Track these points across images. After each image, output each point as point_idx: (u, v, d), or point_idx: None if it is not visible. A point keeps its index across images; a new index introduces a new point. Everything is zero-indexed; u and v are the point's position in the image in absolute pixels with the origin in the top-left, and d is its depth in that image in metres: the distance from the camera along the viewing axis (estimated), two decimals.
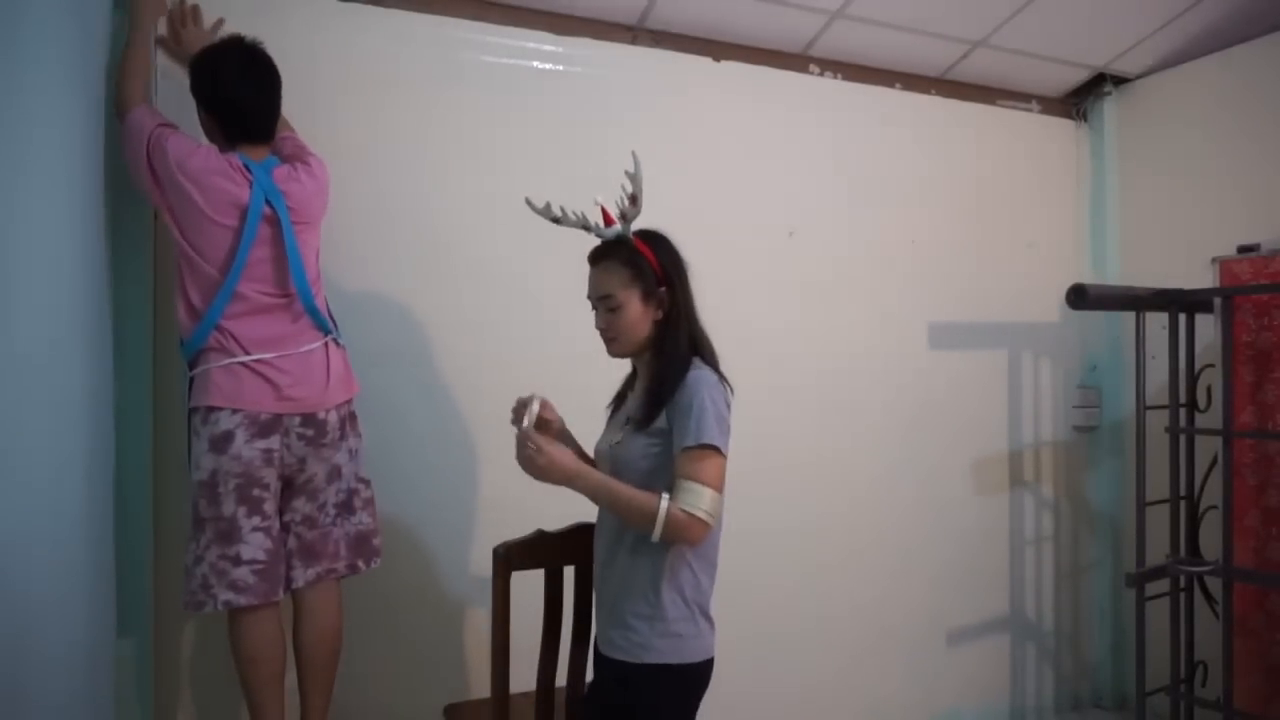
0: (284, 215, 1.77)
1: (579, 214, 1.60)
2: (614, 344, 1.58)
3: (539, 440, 1.47)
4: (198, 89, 1.82)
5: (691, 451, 1.43)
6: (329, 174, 1.94)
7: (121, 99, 1.79)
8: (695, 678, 1.51)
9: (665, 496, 1.42)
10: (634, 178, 1.55)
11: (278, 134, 1.94)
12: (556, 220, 1.61)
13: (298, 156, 1.90)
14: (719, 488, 1.44)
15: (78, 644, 1.55)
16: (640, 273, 1.53)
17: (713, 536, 1.53)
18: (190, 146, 1.74)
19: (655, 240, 1.57)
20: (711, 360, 1.56)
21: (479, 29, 2.30)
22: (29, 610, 1.38)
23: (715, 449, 1.44)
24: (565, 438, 1.67)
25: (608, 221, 1.57)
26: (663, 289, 1.54)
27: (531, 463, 1.47)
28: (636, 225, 1.59)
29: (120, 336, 1.86)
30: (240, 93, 1.80)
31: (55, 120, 1.50)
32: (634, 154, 1.56)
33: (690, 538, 1.44)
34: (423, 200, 2.22)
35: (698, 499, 1.41)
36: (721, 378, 1.54)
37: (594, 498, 1.49)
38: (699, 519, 1.41)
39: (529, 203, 1.62)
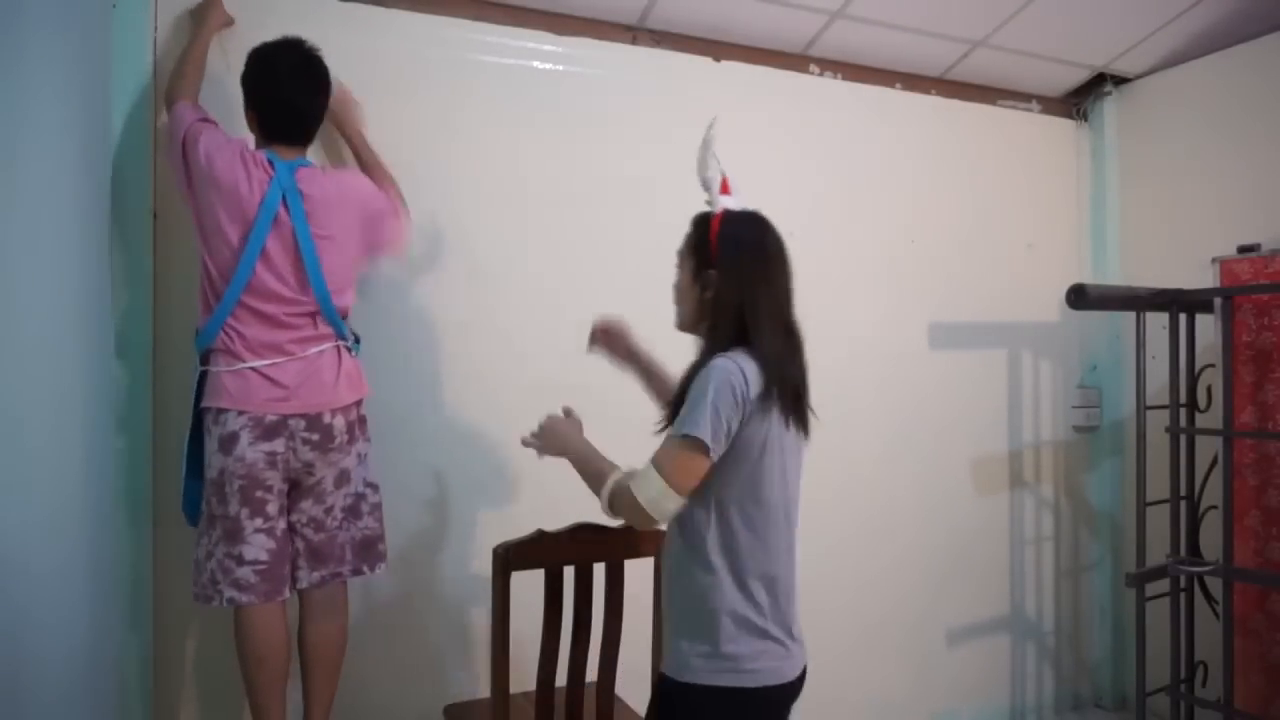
0: (299, 215, 1.76)
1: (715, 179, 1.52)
2: (677, 311, 1.52)
3: (555, 416, 1.57)
4: (246, 82, 1.84)
5: (671, 440, 1.35)
6: (372, 192, 1.92)
7: (170, 93, 1.86)
8: (738, 703, 1.35)
9: (620, 470, 1.39)
10: (708, 139, 1.54)
11: (381, 182, 1.98)
12: (705, 186, 1.53)
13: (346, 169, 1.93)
14: (679, 483, 1.32)
15: (78, 643, 1.55)
16: (698, 244, 1.46)
17: (770, 549, 1.39)
18: (220, 141, 1.76)
19: (730, 220, 1.45)
20: (764, 354, 1.37)
21: (479, 29, 2.30)
22: (29, 609, 1.38)
23: (692, 441, 1.31)
24: (634, 355, 1.76)
25: (723, 190, 1.49)
26: (710, 271, 1.42)
27: (542, 431, 1.55)
28: (749, 206, 1.52)
29: (120, 336, 1.87)
30: (284, 93, 1.81)
31: (55, 120, 1.50)
32: (713, 124, 1.55)
33: (632, 520, 1.37)
34: (422, 200, 2.22)
35: (645, 484, 1.33)
36: (770, 374, 1.36)
37: (575, 467, 1.48)
38: (639, 505, 1.32)
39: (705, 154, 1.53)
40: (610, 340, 1.79)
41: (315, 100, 1.87)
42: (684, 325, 1.50)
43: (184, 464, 1.82)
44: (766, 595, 1.39)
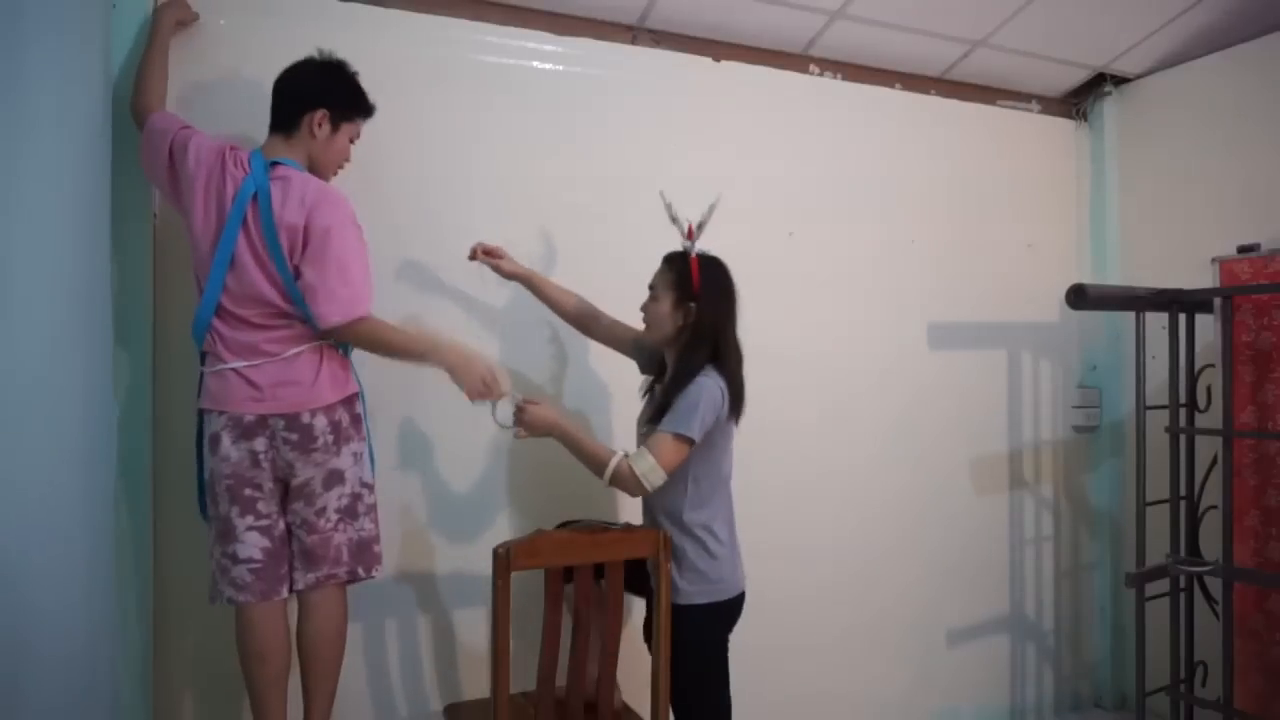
0: (265, 210, 1.75)
1: (683, 221, 1.87)
2: (646, 328, 1.91)
3: (528, 400, 1.84)
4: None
5: (663, 433, 1.77)
6: (340, 222, 1.77)
7: (140, 105, 1.85)
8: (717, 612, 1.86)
9: (620, 453, 1.78)
10: (709, 210, 1.86)
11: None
12: (673, 220, 1.87)
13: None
14: (666, 465, 1.76)
15: (78, 643, 1.55)
16: (680, 281, 1.84)
17: (726, 503, 1.90)
18: (208, 145, 1.79)
19: (708, 264, 1.86)
20: (729, 373, 1.81)
21: (479, 29, 2.30)
22: (29, 609, 1.38)
23: (684, 438, 1.76)
24: (516, 272, 2.14)
25: (689, 235, 1.86)
26: (692, 303, 1.83)
27: (526, 415, 1.81)
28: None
29: (120, 337, 1.87)
30: (276, 83, 1.84)
31: (55, 119, 1.50)
32: (716, 200, 1.86)
33: (628, 490, 1.79)
34: (422, 200, 2.22)
35: (643, 464, 1.75)
36: (733, 391, 1.81)
37: (566, 444, 1.82)
38: (637, 479, 1.75)
39: (662, 195, 1.87)
40: (490, 257, 2.11)
41: (291, 81, 1.84)
42: (658, 342, 1.91)
43: (196, 463, 1.84)
44: (726, 534, 1.88)
